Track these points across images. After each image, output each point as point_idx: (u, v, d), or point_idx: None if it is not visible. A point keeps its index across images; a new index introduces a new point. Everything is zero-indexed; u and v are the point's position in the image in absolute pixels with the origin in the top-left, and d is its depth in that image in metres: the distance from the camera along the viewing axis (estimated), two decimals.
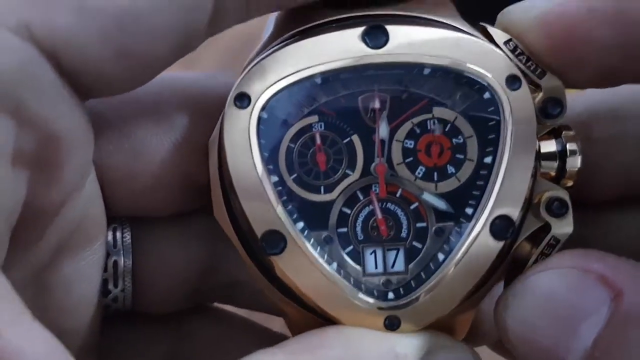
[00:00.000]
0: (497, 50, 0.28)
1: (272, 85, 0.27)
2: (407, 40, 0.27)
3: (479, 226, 0.27)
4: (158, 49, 0.25)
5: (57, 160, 0.24)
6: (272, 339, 0.32)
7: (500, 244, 0.27)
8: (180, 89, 0.30)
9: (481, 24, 0.29)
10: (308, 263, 0.27)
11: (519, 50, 0.28)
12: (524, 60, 0.28)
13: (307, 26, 0.28)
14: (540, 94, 0.28)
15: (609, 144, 0.30)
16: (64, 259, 0.27)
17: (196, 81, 0.31)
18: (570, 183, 0.28)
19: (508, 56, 0.28)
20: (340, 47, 0.27)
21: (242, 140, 0.27)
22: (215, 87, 0.30)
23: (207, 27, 0.26)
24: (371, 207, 0.28)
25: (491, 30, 0.28)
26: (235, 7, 0.26)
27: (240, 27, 0.27)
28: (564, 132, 0.28)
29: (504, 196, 0.27)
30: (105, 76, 0.25)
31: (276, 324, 0.33)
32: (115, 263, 0.29)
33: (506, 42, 0.28)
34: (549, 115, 0.28)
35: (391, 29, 0.27)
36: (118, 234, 0.30)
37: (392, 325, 0.27)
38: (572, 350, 0.24)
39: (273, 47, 0.28)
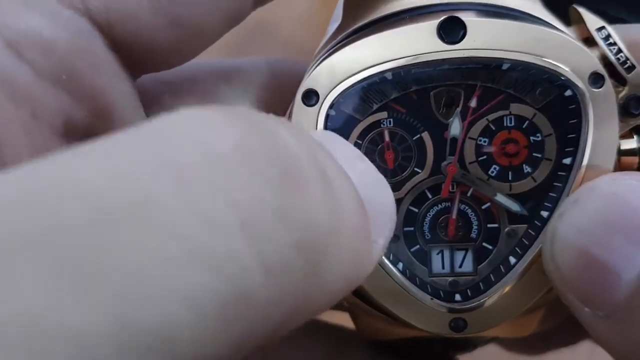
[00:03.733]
0: (581, 45, 0.26)
1: (341, 82, 0.26)
2: (485, 35, 0.25)
3: None
4: (209, 19, 0.25)
5: (108, 132, 0.25)
6: (329, 333, 0.32)
7: None
8: (240, 79, 0.29)
9: (574, 6, 0.27)
10: None
11: (611, 40, 0.26)
12: (614, 51, 0.26)
13: (378, 17, 0.26)
14: (625, 90, 0.26)
15: None
16: None
17: (259, 70, 0.30)
18: None
19: (599, 44, 0.26)
20: (413, 43, 0.25)
21: None
22: (261, 71, 0.29)
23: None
24: (439, 206, 0.27)
25: (584, 14, 0.26)
26: None
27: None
28: None
29: None
30: (157, 48, 0.25)
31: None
32: None
33: (599, 29, 0.26)
34: (631, 114, 0.26)
35: (469, 21, 0.25)
36: None
37: (457, 327, 0.26)
38: (631, 266, 0.21)
39: (342, 39, 0.26)
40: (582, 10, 0.27)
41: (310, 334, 0.32)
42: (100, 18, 0.23)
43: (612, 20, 0.27)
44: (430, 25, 0.25)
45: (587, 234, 0.22)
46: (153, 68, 0.26)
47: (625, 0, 0.43)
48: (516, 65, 0.26)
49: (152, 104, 0.28)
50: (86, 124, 0.24)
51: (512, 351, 0.36)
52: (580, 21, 0.27)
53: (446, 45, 0.25)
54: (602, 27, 0.26)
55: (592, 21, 0.26)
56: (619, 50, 0.26)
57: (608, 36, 0.26)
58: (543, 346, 0.35)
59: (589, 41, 0.26)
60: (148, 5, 0.23)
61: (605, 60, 0.26)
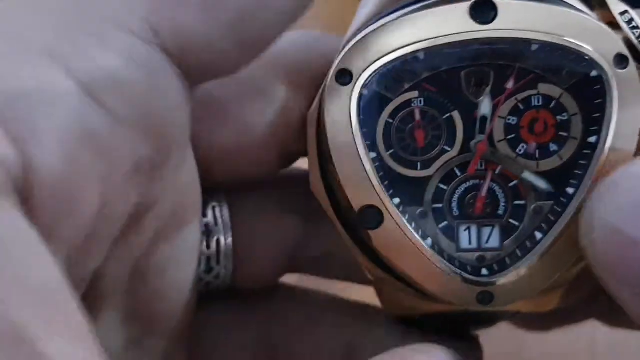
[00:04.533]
0: (606, 28, 0.27)
1: (374, 62, 0.26)
2: (516, 16, 0.26)
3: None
4: (275, 32, 0.25)
5: (165, 161, 0.24)
6: (356, 312, 0.33)
7: None
8: (271, 60, 0.30)
9: None
10: (403, 238, 0.27)
11: (634, 23, 0.27)
12: (637, 34, 0.27)
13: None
14: None
15: None
16: (160, 244, 0.27)
17: (288, 49, 0.30)
18: None
19: (622, 28, 0.27)
20: (446, 23, 0.26)
21: (343, 117, 0.27)
22: (298, 53, 0.30)
23: None
24: (468, 183, 0.28)
25: None
26: None
27: None
28: None
29: None
30: (227, 68, 0.25)
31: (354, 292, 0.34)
32: (218, 241, 0.30)
33: (622, 13, 0.27)
34: None
35: (500, 3, 0.26)
36: (217, 213, 0.30)
37: (484, 300, 0.27)
38: None
39: (375, 21, 0.27)
40: None
41: (337, 311, 0.33)
42: (173, 49, 0.22)
43: (635, 4, 0.28)
44: (462, 7, 0.26)
45: (621, 214, 0.23)
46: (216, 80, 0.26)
47: None
48: (544, 46, 0.27)
49: (208, 103, 0.28)
50: (149, 160, 0.23)
51: (525, 328, 0.37)
52: (603, 6, 0.28)
53: (478, 26, 0.26)
54: (625, 11, 0.27)
55: (616, 5, 0.27)
56: None
57: (631, 20, 0.27)
58: (556, 322, 0.36)
59: (613, 25, 0.27)
60: (223, 31, 0.23)
61: (628, 43, 0.27)
